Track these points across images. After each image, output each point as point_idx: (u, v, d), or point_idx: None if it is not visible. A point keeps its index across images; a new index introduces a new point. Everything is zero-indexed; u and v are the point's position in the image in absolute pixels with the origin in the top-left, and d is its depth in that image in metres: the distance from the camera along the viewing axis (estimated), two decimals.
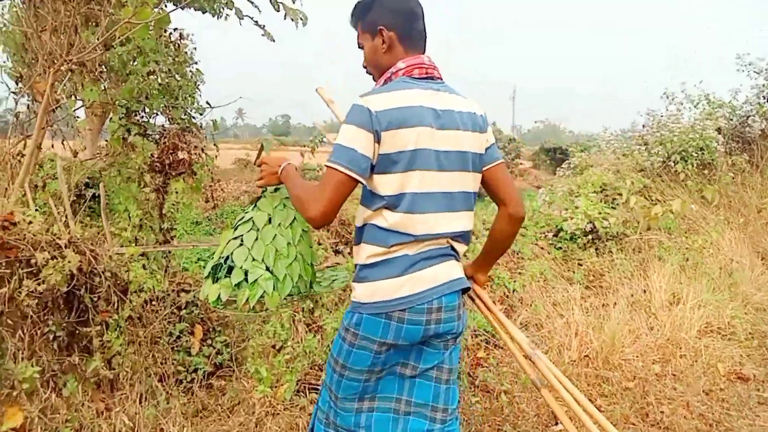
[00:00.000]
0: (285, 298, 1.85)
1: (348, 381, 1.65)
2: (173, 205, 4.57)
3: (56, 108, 4.28)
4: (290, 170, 1.75)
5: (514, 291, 4.30)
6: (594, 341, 3.50)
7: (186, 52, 4.97)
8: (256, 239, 1.85)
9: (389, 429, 1.66)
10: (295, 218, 1.89)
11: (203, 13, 4.86)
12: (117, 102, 4.40)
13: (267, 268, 1.82)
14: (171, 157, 4.63)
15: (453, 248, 1.68)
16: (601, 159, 6.96)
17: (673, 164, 6.38)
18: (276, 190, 1.93)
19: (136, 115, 4.58)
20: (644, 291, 4.33)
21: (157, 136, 4.75)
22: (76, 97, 4.27)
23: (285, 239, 1.86)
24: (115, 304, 2.63)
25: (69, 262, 2.33)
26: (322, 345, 3.22)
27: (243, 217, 1.92)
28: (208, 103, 4.97)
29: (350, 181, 1.49)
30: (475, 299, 1.93)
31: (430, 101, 1.57)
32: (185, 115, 4.89)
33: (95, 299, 2.55)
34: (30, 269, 2.31)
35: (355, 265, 1.67)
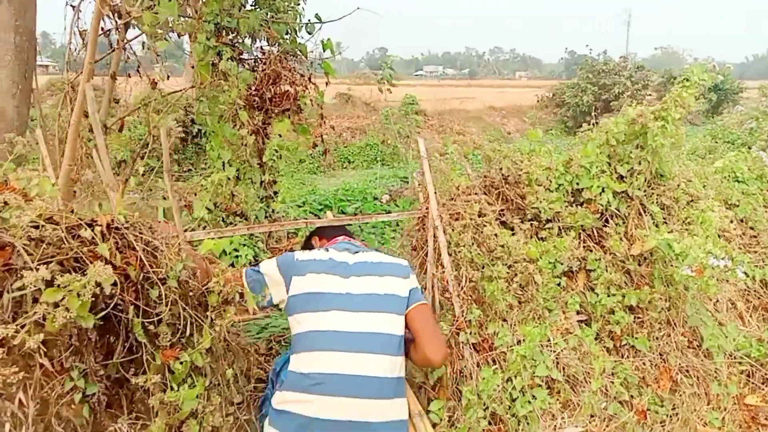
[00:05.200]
0: None
1: None
2: (275, 151, 3.52)
3: (128, 23, 3.31)
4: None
5: None
6: None
7: None
8: None
9: None
10: None
11: None
12: (204, 17, 3.32)
13: None
14: (272, 90, 3.55)
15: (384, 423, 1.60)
16: None
17: None
18: None
19: (227, 34, 3.51)
20: None
21: (255, 62, 3.69)
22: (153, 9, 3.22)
23: None
24: (186, 332, 1.60)
25: (98, 275, 1.29)
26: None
27: None
28: (317, 17, 3.80)
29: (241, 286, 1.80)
30: None
31: (340, 257, 1.83)
32: (288, 33, 3.75)
33: (152, 327, 1.53)
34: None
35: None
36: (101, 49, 3.17)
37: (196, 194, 3.56)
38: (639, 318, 2.47)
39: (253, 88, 3.45)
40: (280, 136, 3.52)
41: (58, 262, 1.37)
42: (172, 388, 1.56)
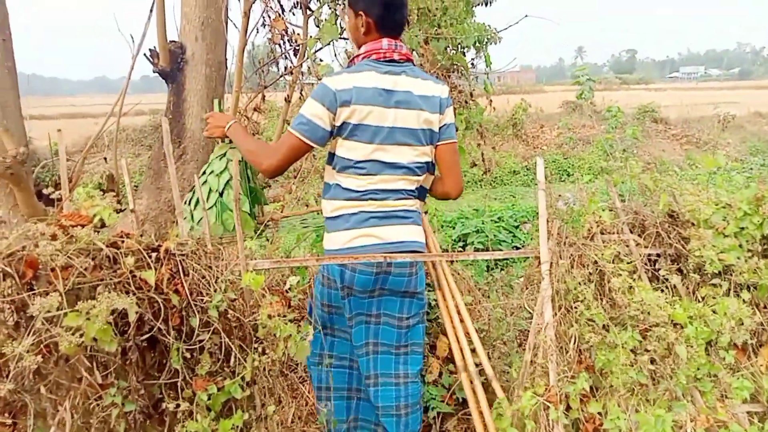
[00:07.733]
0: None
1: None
2: None
3: (297, 47, 3.55)
4: (238, 127, 2.01)
5: None
6: None
7: None
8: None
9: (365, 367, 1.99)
10: (226, 168, 2.09)
11: None
12: None
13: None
14: None
15: (407, 210, 1.96)
16: None
17: None
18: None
19: None
20: None
21: None
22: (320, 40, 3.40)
23: (212, 186, 2.08)
24: (230, 362, 1.61)
25: (114, 303, 1.36)
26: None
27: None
28: (481, 27, 3.58)
29: (304, 145, 1.84)
30: None
31: (384, 83, 1.86)
32: (453, 48, 3.61)
33: (194, 354, 1.57)
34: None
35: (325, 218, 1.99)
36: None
37: None
38: None
39: None
40: None
41: (107, 285, 1.49)
42: (217, 418, 1.59)
